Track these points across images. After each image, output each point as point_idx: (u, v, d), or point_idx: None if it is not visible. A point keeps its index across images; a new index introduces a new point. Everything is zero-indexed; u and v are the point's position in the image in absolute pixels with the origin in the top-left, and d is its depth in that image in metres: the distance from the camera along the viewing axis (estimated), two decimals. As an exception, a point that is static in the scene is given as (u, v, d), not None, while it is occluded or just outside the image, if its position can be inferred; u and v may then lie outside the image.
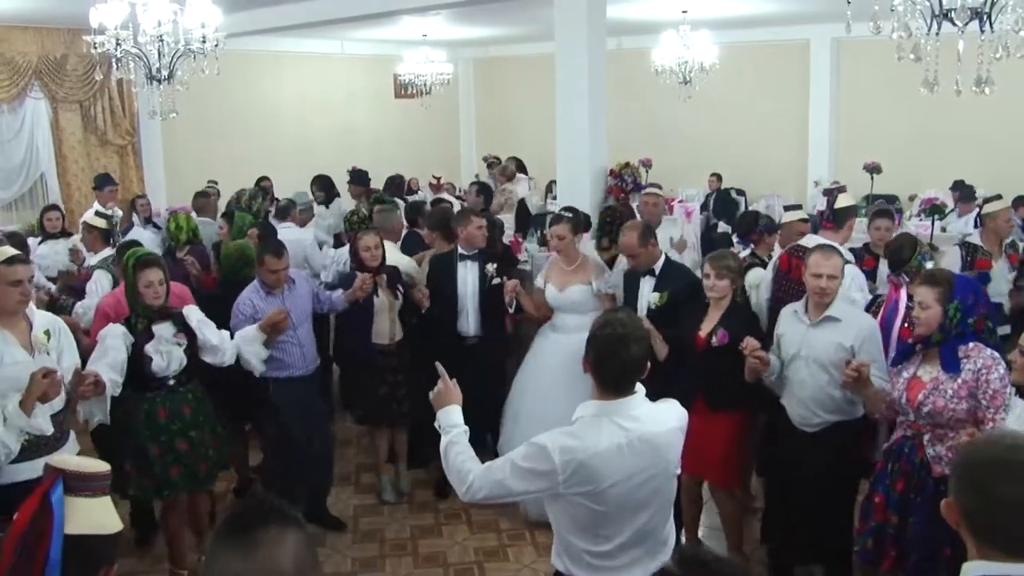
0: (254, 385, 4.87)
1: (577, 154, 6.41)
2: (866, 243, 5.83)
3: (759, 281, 4.99)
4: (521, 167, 12.45)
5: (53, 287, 6.22)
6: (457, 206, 8.03)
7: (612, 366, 2.57)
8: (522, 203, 10.21)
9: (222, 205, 8.00)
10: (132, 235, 6.92)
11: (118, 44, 5.39)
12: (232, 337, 4.55)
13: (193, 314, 4.37)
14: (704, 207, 11.69)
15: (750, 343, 3.92)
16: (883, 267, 4.97)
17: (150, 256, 4.34)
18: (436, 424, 2.80)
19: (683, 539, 4.69)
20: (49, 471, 1.66)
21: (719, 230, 10.99)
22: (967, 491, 1.72)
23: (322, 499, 5.22)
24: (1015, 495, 1.65)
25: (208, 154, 12.06)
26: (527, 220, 9.28)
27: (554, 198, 10.70)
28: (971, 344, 3.30)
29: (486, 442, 5.34)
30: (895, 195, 10.53)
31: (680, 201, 10.25)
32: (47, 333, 3.69)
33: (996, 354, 3.30)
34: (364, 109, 14.68)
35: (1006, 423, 3.17)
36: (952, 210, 8.53)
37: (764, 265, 5.20)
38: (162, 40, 5.43)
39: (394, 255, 5.71)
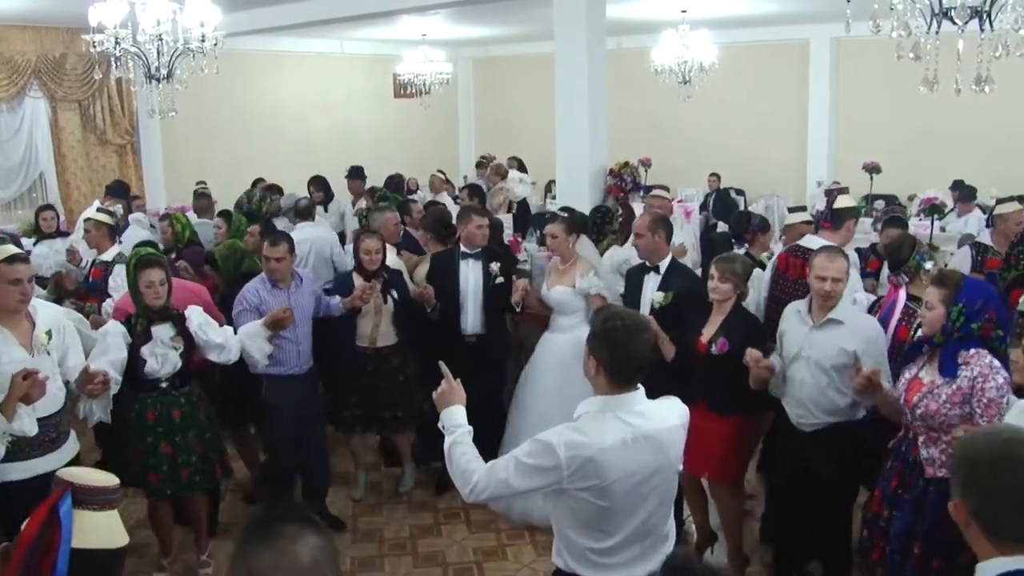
0: (251, 384, 4.87)
1: (577, 154, 6.40)
2: (873, 244, 5.83)
3: (756, 281, 4.98)
4: (521, 167, 12.46)
5: (43, 291, 6.04)
6: (450, 207, 8.03)
7: (626, 358, 2.55)
8: (523, 203, 10.22)
9: (219, 206, 8.00)
10: (129, 233, 6.92)
11: (117, 43, 5.39)
12: (236, 332, 4.56)
13: (195, 316, 4.34)
14: (703, 207, 11.69)
15: (752, 355, 3.89)
16: (886, 269, 4.97)
17: (152, 256, 4.32)
18: (440, 424, 2.78)
19: (694, 532, 4.73)
20: (58, 484, 1.66)
21: (719, 230, 11.00)
22: (971, 491, 1.74)
23: (320, 498, 5.19)
24: (1020, 487, 1.68)
25: (207, 154, 12.06)
26: (527, 220, 9.27)
27: (553, 198, 10.71)
28: (972, 351, 3.25)
29: (486, 442, 5.33)
30: (894, 195, 10.53)
31: (679, 201, 10.25)
32: (48, 333, 3.66)
33: (996, 363, 3.25)
34: (363, 109, 14.68)
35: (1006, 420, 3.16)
36: (951, 210, 8.54)
37: (758, 265, 5.20)
38: (161, 39, 5.43)
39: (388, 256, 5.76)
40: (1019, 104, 10.05)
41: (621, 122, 10.15)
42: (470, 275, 5.33)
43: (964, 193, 9.11)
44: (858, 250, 5.37)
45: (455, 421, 2.75)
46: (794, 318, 4.04)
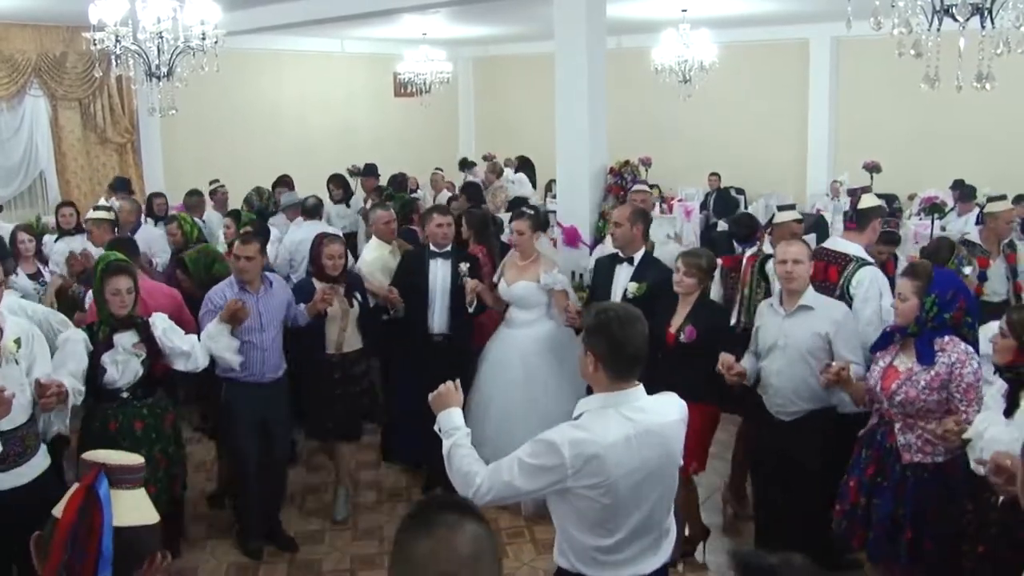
0: (211, 379, 4.69)
1: (577, 153, 6.39)
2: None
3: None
4: (525, 165, 12.47)
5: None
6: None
7: (623, 349, 2.54)
8: (523, 202, 10.21)
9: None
10: (141, 233, 6.92)
11: (118, 41, 5.37)
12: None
13: (159, 322, 4.20)
14: (704, 206, 11.70)
15: (725, 360, 4.01)
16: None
17: (121, 263, 4.15)
18: (436, 427, 2.77)
19: (686, 527, 4.74)
20: (87, 466, 1.66)
21: (719, 229, 11.00)
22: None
23: (273, 515, 4.96)
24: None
25: (207, 152, 12.06)
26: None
27: (553, 197, 10.71)
28: (947, 338, 3.39)
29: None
30: (895, 194, 10.53)
31: (680, 200, 10.27)
32: (17, 342, 3.52)
33: (971, 349, 3.40)
34: (364, 108, 14.68)
35: (984, 402, 3.27)
36: (952, 209, 8.54)
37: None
38: (162, 37, 5.42)
39: (374, 252, 5.80)
40: (1019, 103, 10.05)
41: (621, 121, 10.14)
42: (439, 274, 5.30)
43: (964, 192, 9.10)
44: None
45: (453, 424, 2.73)
46: (767, 312, 4.20)
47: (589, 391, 2.67)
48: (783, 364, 4.01)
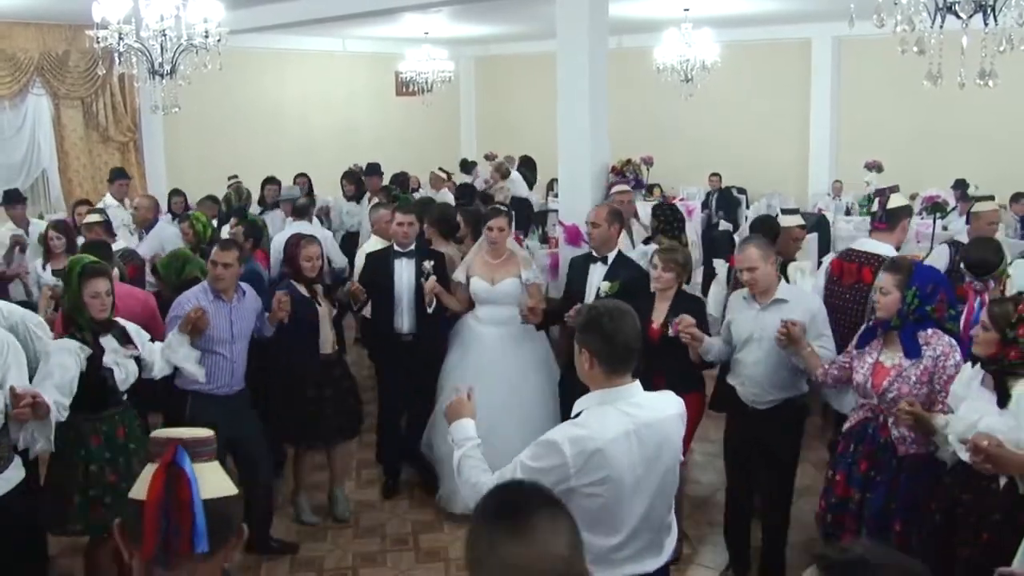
0: (175, 393, 4.53)
1: (578, 152, 6.39)
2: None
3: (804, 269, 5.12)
4: (527, 164, 12.48)
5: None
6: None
7: (617, 342, 2.56)
8: (524, 201, 10.25)
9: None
10: (157, 231, 6.94)
11: (121, 39, 5.39)
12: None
13: (128, 326, 4.05)
14: (705, 205, 11.71)
15: (684, 319, 4.13)
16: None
17: (98, 265, 3.96)
18: (449, 438, 2.78)
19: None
20: (162, 443, 1.61)
21: (720, 228, 11.00)
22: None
23: (263, 527, 4.78)
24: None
25: (210, 151, 12.09)
26: (528, 218, 9.30)
27: (555, 196, 10.72)
28: (930, 331, 3.47)
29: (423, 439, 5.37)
30: (896, 194, 10.52)
31: (681, 199, 10.28)
32: None
33: (953, 342, 3.49)
34: (365, 107, 14.69)
35: (952, 389, 3.32)
36: (953, 208, 8.56)
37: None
38: (165, 35, 5.44)
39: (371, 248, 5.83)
40: (1021, 103, 10.06)
41: (623, 121, 10.15)
42: (403, 274, 5.28)
43: (966, 192, 9.12)
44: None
45: (465, 434, 2.74)
46: (741, 304, 4.27)
47: (584, 390, 2.68)
48: (760, 355, 4.10)
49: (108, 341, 3.88)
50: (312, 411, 4.96)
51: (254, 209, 8.57)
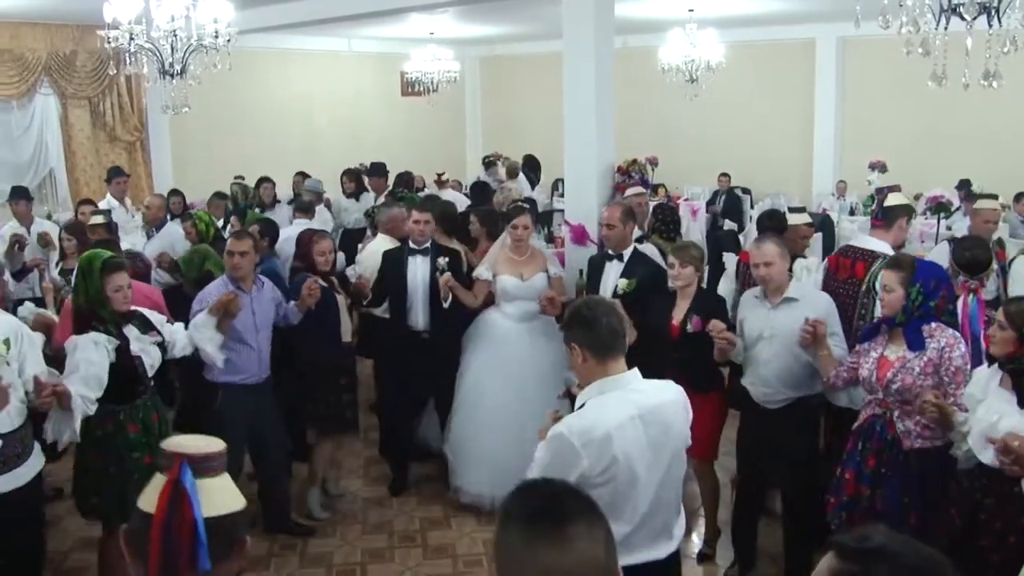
0: (204, 387, 4.66)
1: (584, 152, 6.42)
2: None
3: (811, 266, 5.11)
4: (533, 164, 12.49)
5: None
6: (462, 203, 8.11)
7: (598, 326, 2.64)
8: (529, 201, 10.25)
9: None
10: (167, 230, 6.98)
11: (131, 39, 5.43)
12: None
13: (147, 313, 4.15)
14: (711, 202, 11.74)
15: (716, 325, 4.12)
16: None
17: (117, 259, 4.07)
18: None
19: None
20: (166, 457, 1.62)
21: (725, 228, 11.03)
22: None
23: (285, 510, 5.01)
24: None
25: (216, 151, 12.13)
26: (534, 217, 9.31)
27: (560, 196, 10.75)
28: (934, 324, 3.51)
29: (445, 436, 5.40)
30: (900, 194, 10.53)
31: (686, 199, 10.31)
32: (6, 342, 3.45)
33: (957, 334, 3.55)
34: (371, 107, 14.72)
35: (968, 392, 3.33)
36: (957, 208, 8.56)
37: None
38: (175, 35, 5.48)
39: (376, 246, 5.90)
40: (1025, 104, 10.06)
41: (628, 121, 10.15)
42: (418, 271, 5.32)
43: (970, 192, 9.13)
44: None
45: None
46: (752, 303, 4.29)
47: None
48: (771, 354, 4.12)
49: (130, 330, 3.97)
50: (348, 398, 5.15)
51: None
